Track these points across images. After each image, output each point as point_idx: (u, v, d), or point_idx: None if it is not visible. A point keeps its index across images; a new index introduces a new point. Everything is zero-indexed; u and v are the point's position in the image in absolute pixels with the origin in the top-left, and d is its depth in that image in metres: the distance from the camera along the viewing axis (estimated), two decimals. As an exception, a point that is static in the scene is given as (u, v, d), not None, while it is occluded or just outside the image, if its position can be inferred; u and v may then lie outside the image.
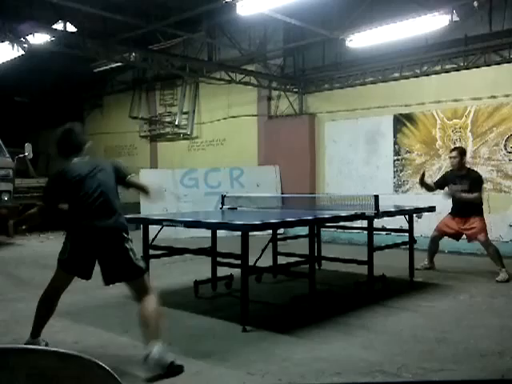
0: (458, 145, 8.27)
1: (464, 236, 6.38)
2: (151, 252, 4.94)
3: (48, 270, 6.82)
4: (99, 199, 3.42)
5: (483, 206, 6.27)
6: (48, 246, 9.60)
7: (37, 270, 6.94)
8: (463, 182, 6.17)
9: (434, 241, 6.61)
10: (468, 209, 6.14)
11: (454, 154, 6.30)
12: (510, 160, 7.94)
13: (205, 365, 3.35)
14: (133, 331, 3.95)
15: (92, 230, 3.39)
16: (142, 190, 3.62)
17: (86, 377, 0.85)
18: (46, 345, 3.54)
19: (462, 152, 6.34)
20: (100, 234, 3.37)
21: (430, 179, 7.25)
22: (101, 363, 0.85)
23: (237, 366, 3.31)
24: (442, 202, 6.87)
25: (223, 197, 6.16)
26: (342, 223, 6.06)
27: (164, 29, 8.91)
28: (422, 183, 6.48)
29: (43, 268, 7.10)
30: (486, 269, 6.22)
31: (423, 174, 6.45)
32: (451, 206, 6.39)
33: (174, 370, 3.17)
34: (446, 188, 6.45)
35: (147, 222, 4.95)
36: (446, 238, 6.59)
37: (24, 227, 3.72)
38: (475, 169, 6.80)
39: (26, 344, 3.42)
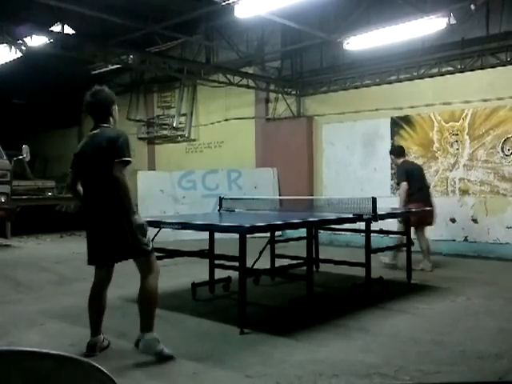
0: (455, 147, 8.34)
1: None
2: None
3: (45, 273, 6.81)
4: (88, 181, 3.49)
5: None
6: (45, 249, 9.58)
7: (34, 273, 6.93)
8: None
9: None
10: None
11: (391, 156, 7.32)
12: (507, 162, 7.95)
13: (202, 367, 3.34)
14: (130, 334, 3.95)
15: (89, 216, 3.53)
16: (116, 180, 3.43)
17: (83, 380, 0.85)
18: (109, 344, 3.65)
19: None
20: (93, 220, 3.51)
21: None
22: (98, 366, 0.85)
23: (234, 369, 3.31)
24: (439, 205, 6.90)
25: (221, 199, 6.16)
26: (339, 225, 6.06)
27: (162, 31, 8.91)
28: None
29: (41, 270, 7.10)
30: (482, 271, 6.24)
31: None
32: None
33: (164, 358, 3.38)
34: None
35: (145, 224, 4.93)
36: (445, 240, 6.63)
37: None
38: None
39: (88, 343, 3.52)
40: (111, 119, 3.57)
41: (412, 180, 6.72)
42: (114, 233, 3.40)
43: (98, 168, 3.41)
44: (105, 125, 3.51)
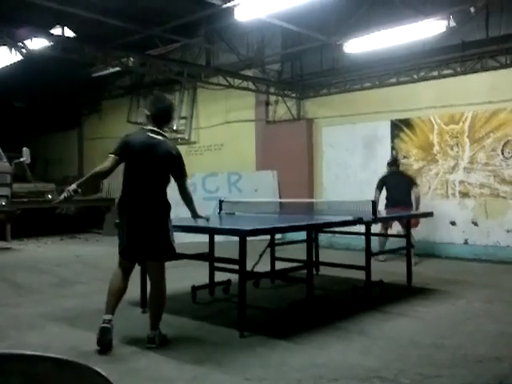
0: (455, 150, 8.36)
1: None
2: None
3: (46, 275, 6.81)
4: (144, 178, 3.74)
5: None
6: (46, 251, 9.58)
7: (34, 275, 6.92)
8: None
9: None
10: None
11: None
12: (507, 165, 7.95)
13: (202, 370, 3.34)
14: (130, 337, 3.95)
15: (136, 210, 3.79)
16: (186, 199, 4.11)
17: (82, 383, 0.85)
18: (110, 341, 3.67)
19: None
20: (142, 214, 3.77)
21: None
22: (98, 369, 0.85)
23: (234, 372, 3.30)
24: (439, 207, 6.90)
25: (221, 202, 6.16)
26: (339, 228, 6.06)
27: (162, 34, 8.93)
28: None
29: (41, 273, 7.09)
30: (483, 274, 6.23)
31: None
32: None
33: (165, 341, 3.77)
34: None
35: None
36: (446, 243, 6.65)
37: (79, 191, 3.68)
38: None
39: (103, 318, 3.64)
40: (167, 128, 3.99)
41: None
42: (159, 231, 3.70)
43: (161, 170, 3.73)
44: (159, 130, 3.77)
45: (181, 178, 3.83)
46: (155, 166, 3.72)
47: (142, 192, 3.72)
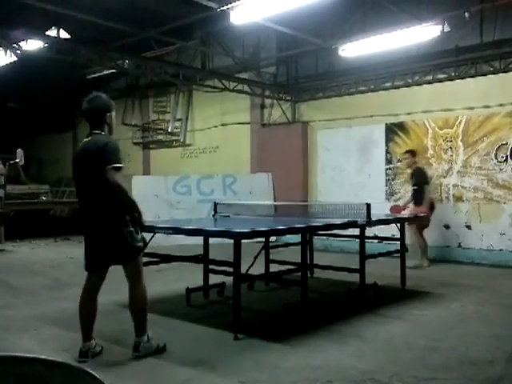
0: (449, 154, 8.39)
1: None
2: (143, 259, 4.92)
3: (39, 277, 6.77)
4: (78, 190, 3.58)
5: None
6: (39, 253, 9.53)
7: (28, 277, 6.89)
8: (412, 179, 7.74)
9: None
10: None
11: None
12: (500, 169, 8.00)
13: (196, 373, 3.33)
14: (123, 340, 3.93)
15: (83, 226, 3.61)
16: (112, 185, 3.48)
17: (75, 385, 0.85)
18: (101, 350, 3.62)
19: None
20: (87, 227, 3.59)
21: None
22: (90, 371, 0.85)
23: (228, 374, 3.30)
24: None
25: (216, 204, 6.16)
26: (334, 231, 6.07)
27: (158, 36, 8.93)
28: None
29: (34, 275, 7.06)
30: (477, 277, 6.26)
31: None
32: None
33: (160, 352, 3.62)
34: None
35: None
36: (439, 246, 6.69)
37: None
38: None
39: (80, 349, 3.53)
40: (106, 126, 3.56)
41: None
42: (113, 237, 3.43)
43: (89, 174, 3.43)
44: (98, 131, 3.51)
45: (106, 165, 3.29)
46: (83, 171, 3.47)
47: (84, 203, 3.55)
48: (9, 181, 10.32)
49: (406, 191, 9.00)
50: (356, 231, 5.37)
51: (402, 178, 9.10)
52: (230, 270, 4.13)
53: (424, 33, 7.17)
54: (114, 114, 3.64)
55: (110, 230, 3.43)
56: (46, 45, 7.95)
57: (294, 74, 10.78)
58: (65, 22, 8.20)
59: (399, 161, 9.10)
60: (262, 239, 6.04)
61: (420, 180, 7.55)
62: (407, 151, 7.99)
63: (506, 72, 7.95)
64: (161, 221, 7.13)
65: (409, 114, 8.97)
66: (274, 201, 10.18)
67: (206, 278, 5.44)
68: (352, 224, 5.10)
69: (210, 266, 5.35)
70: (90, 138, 3.51)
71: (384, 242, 6.68)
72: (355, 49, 7.94)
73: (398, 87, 9.14)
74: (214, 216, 6.09)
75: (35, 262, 8.31)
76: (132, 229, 3.46)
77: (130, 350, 3.70)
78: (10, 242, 10.38)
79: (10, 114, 16.03)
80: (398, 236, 6.04)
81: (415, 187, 7.58)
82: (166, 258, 5.26)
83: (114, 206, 3.40)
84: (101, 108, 3.54)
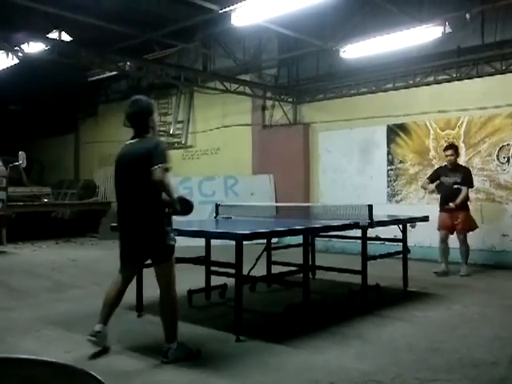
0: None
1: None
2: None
3: (40, 279, 6.77)
4: (122, 191, 3.64)
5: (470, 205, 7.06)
6: (41, 255, 9.54)
7: (29, 279, 6.89)
8: (456, 175, 6.92)
9: (443, 241, 7.03)
10: (460, 204, 6.79)
11: (450, 151, 7.01)
12: (502, 170, 7.99)
13: (198, 374, 3.33)
14: (126, 341, 3.93)
15: (122, 224, 3.70)
16: (157, 186, 3.55)
17: (77, 386, 0.85)
18: (108, 348, 3.67)
19: (456, 149, 7.16)
20: (127, 227, 3.67)
21: (427, 185, 7.47)
22: (92, 373, 0.85)
23: (230, 376, 3.30)
24: (435, 212, 6.92)
25: (217, 206, 6.16)
26: (335, 233, 6.07)
27: (159, 38, 8.95)
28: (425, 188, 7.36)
29: (36, 277, 7.07)
30: (478, 278, 6.25)
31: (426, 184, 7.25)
32: (440, 201, 7.01)
33: (195, 357, 3.55)
34: (431, 185, 7.24)
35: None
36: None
37: None
38: None
39: (93, 329, 3.58)
40: (150, 129, 3.64)
41: None
42: (152, 234, 3.54)
43: (137, 175, 3.49)
44: (143, 135, 3.59)
45: (155, 164, 3.37)
46: (130, 172, 3.54)
47: (126, 202, 3.64)
48: (10, 183, 10.32)
49: (407, 192, 9.00)
50: (358, 232, 5.36)
51: (404, 179, 9.10)
52: (232, 271, 4.13)
53: (425, 34, 7.18)
54: (156, 116, 3.75)
55: (151, 227, 3.52)
56: (47, 47, 7.96)
57: (296, 75, 10.79)
58: (66, 24, 8.21)
59: (401, 162, 9.10)
60: (264, 241, 6.04)
61: (469, 181, 6.91)
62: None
63: (507, 73, 7.95)
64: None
65: (410, 115, 8.97)
66: (276, 202, 10.18)
67: (207, 280, 5.44)
68: (354, 225, 5.09)
69: (212, 268, 5.35)
70: (135, 141, 3.59)
71: (386, 243, 6.67)
72: (356, 50, 7.95)
73: (399, 88, 9.15)
74: (215, 218, 6.09)
75: (37, 264, 8.31)
76: (169, 228, 3.57)
77: (132, 352, 3.71)
78: (11, 244, 10.39)
79: (12, 117, 16.06)
80: (400, 237, 6.03)
81: (460, 186, 6.85)
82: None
83: (157, 206, 3.49)
84: (144, 111, 3.63)
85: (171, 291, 3.59)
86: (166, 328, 3.56)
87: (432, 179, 7.22)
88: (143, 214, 3.53)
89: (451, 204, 6.74)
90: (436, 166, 8.51)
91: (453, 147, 7.08)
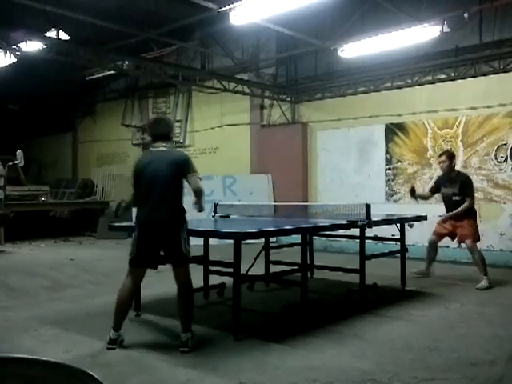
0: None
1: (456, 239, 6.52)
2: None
3: (38, 278, 6.77)
4: (154, 190, 3.74)
5: (476, 211, 6.42)
6: (39, 254, 9.53)
7: (27, 278, 6.88)
8: (453, 185, 6.30)
9: (432, 245, 6.59)
10: (460, 213, 6.21)
11: (442, 158, 6.43)
12: (500, 170, 8.00)
13: (196, 373, 3.33)
14: (125, 340, 3.93)
15: (146, 223, 3.77)
16: (195, 192, 3.86)
17: (76, 386, 0.85)
18: (122, 341, 3.78)
19: (450, 155, 6.48)
20: (153, 226, 3.74)
21: (422, 189, 7.27)
22: (91, 372, 0.85)
23: (228, 375, 3.30)
24: (434, 211, 6.92)
25: (216, 205, 6.16)
26: (334, 232, 6.07)
27: (157, 37, 8.93)
28: (414, 195, 6.56)
29: (34, 276, 7.06)
30: (476, 277, 6.25)
31: (413, 189, 6.57)
32: (444, 209, 6.47)
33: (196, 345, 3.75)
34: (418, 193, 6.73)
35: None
36: (439, 247, 6.63)
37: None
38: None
39: (110, 337, 3.74)
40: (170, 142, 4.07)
41: None
42: (172, 240, 3.72)
43: (171, 180, 3.77)
44: (166, 144, 3.94)
45: (193, 173, 3.88)
46: (166, 176, 3.80)
47: (153, 204, 3.81)
48: (8, 182, 10.31)
49: (405, 191, 9.00)
50: (356, 232, 5.36)
51: (402, 178, 9.11)
52: (230, 270, 4.13)
53: (423, 33, 7.18)
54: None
55: (172, 232, 3.73)
56: (45, 46, 7.95)
57: (294, 74, 10.79)
58: (64, 23, 8.21)
59: (399, 161, 9.11)
60: (262, 240, 6.04)
61: (470, 191, 6.29)
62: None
63: (505, 72, 7.96)
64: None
65: (408, 114, 8.98)
66: (274, 201, 10.18)
67: (205, 279, 5.44)
68: (352, 224, 5.10)
69: (210, 267, 5.34)
70: (165, 149, 3.90)
71: (384, 242, 6.68)
72: (354, 49, 7.95)
73: (397, 88, 9.15)
74: (213, 217, 6.09)
75: (35, 263, 8.30)
76: (186, 236, 3.79)
77: (130, 351, 3.71)
78: (9, 243, 10.38)
79: (10, 116, 16.02)
80: (398, 236, 6.04)
81: (459, 198, 6.23)
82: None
83: (180, 212, 3.79)
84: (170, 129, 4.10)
85: (189, 286, 3.83)
86: (185, 319, 3.78)
87: (432, 190, 6.70)
88: (167, 218, 3.75)
89: (450, 213, 6.27)
90: (434, 165, 8.55)
91: (445, 154, 6.53)
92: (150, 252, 3.82)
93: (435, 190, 6.64)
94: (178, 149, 12.87)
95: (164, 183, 3.76)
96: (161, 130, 3.96)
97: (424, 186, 8.45)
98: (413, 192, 6.52)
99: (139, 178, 3.84)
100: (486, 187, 8.10)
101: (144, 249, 3.80)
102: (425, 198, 6.78)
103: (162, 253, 3.85)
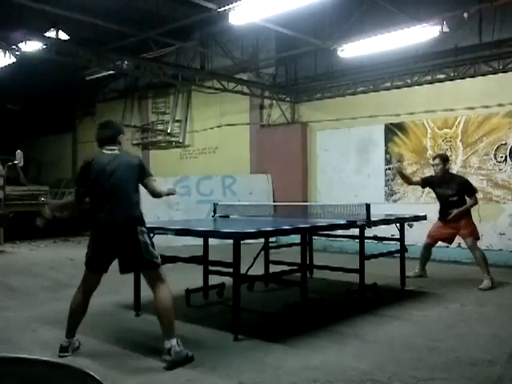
0: (448, 154, 8.35)
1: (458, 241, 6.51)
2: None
3: (38, 278, 6.77)
4: (113, 193, 3.61)
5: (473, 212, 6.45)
6: (39, 254, 9.53)
7: (27, 278, 6.88)
8: (448, 187, 6.27)
9: (427, 248, 6.63)
10: (463, 212, 6.20)
11: (436, 161, 6.41)
12: (499, 169, 8.01)
13: (196, 374, 3.33)
14: (124, 341, 3.93)
15: (105, 225, 3.60)
16: (155, 197, 3.81)
17: (75, 386, 0.85)
18: (79, 345, 3.69)
19: (444, 158, 6.46)
20: (112, 228, 3.58)
21: (413, 177, 7.24)
22: (90, 372, 0.85)
23: (228, 375, 3.30)
24: (432, 211, 6.92)
25: (215, 205, 6.16)
26: (333, 232, 6.07)
27: (157, 37, 8.93)
28: (402, 175, 6.65)
29: (33, 276, 7.06)
30: (476, 277, 6.25)
31: (401, 173, 6.68)
32: (439, 210, 6.46)
33: (189, 361, 3.49)
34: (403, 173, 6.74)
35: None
36: (439, 247, 6.63)
37: (57, 215, 3.86)
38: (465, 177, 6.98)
39: (61, 345, 3.62)
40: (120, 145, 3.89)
41: None
42: (129, 245, 3.57)
43: (128, 183, 3.65)
44: (115, 147, 3.79)
45: (150, 176, 3.79)
46: (121, 179, 3.66)
47: (108, 207, 3.64)
48: (8, 182, 10.31)
49: (405, 191, 9.01)
50: (356, 231, 5.37)
51: (402, 178, 9.10)
52: (230, 270, 4.13)
53: (423, 33, 7.18)
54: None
55: (130, 235, 3.56)
56: (45, 46, 7.95)
57: (293, 74, 10.79)
58: (64, 23, 8.21)
59: (398, 161, 9.10)
60: (262, 240, 6.04)
61: (472, 190, 6.30)
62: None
63: (504, 72, 7.97)
64: (159, 222, 7.13)
65: (408, 114, 8.98)
66: (274, 201, 10.18)
67: (205, 279, 5.44)
68: (351, 224, 5.10)
69: (210, 267, 5.35)
70: (119, 153, 3.77)
71: (384, 242, 6.68)
72: (354, 49, 7.96)
73: (396, 87, 9.16)
74: (213, 217, 6.09)
75: (34, 263, 8.30)
76: (149, 241, 3.62)
77: (130, 351, 3.71)
78: (9, 243, 10.38)
79: (10, 116, 16.01)
80: (398, 236, 6.04)
81: (455, 198, 6.21)
82: (166, 259, 5.24)
83: (138, 215, 3.64)
84: (116, 132, 3.92)
85: (163, 287, 3.61)
86: (165, 325, 3.56)
87: (424, 182, 6.69)
88: (124, 221, 3.58)
89: (450, 216, 6.21)
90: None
91: (439, 157, 6.49)
92: (104, 256, 3.63)
93: (426, 184, 6.68)
94: (178, 149, 12.98)
95: (121, 186, 3.63)
96: (107, 133, 3.85)
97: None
98: (402, 174, 6.65)
99: (96, 180, 3.64)
100: (485, 187, 8.10)
101: (99, 252, 3.64)
102: (410, 182, 6.79)
103: (118, 259, 3.64)
